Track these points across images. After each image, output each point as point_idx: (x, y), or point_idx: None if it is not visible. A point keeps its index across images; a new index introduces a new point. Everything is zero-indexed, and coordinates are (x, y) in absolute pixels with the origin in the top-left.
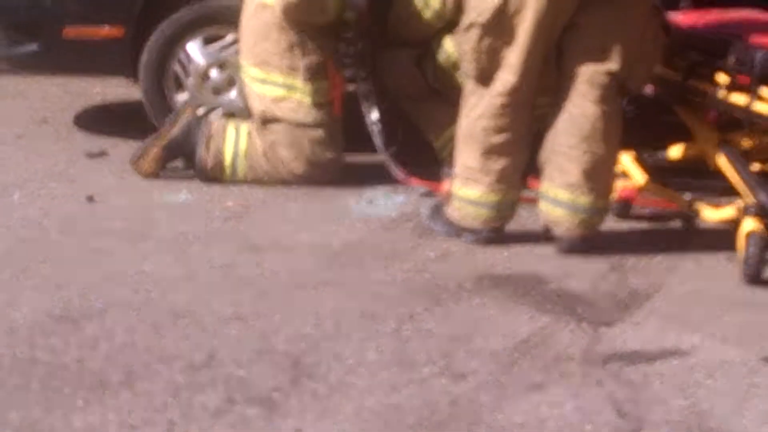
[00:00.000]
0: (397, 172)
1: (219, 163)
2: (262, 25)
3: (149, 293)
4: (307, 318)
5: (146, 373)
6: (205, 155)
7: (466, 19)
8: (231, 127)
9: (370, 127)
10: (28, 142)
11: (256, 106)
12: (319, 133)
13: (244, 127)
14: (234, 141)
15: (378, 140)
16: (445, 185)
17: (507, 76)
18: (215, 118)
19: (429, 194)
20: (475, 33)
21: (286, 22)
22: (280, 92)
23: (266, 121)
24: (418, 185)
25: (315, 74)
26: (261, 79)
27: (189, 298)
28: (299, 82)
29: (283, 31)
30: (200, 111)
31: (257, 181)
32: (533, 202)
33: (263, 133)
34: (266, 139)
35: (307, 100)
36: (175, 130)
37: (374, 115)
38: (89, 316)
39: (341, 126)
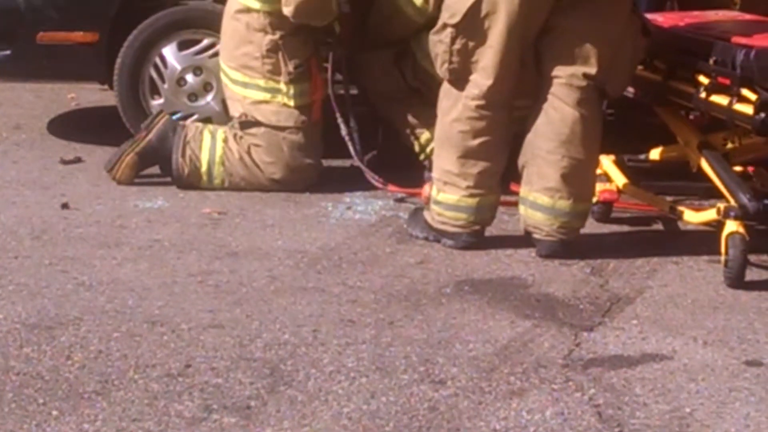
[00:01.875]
0: (374, 179)
1: (195, 170)
2: (243, 29)
3: (125, 301)
4: (285, 325)
5: (122, 381)
6: (181, 162)
7: (440, 20)
8: (207, 132)
9: (346, 133)
10: (1, 149)
11: (237, 109)
12: (298, 137)
13: (221, 132)
14: (210, 147)
15: (353, 148)
16: (425, 190)
17: (481, 79)
18: (191, 123)
19: (406, 200)
20: (448, 34)
21: (293, 19)
22: (262, 96)
23: (245, 124)
24: (396, 192)
25: (298, 76)
26: (243, 83)
27: (165, 306)
28: (282, 85)
29: (266, 34)
30: (175, 117)
31: (234, 187)
32: (513, 205)
33: (242, 137)
34: (244, 144)
35: (290, 102)
36: (151, 136)
37: (350, 122)
38: (64, 324)
39: (320, 131)
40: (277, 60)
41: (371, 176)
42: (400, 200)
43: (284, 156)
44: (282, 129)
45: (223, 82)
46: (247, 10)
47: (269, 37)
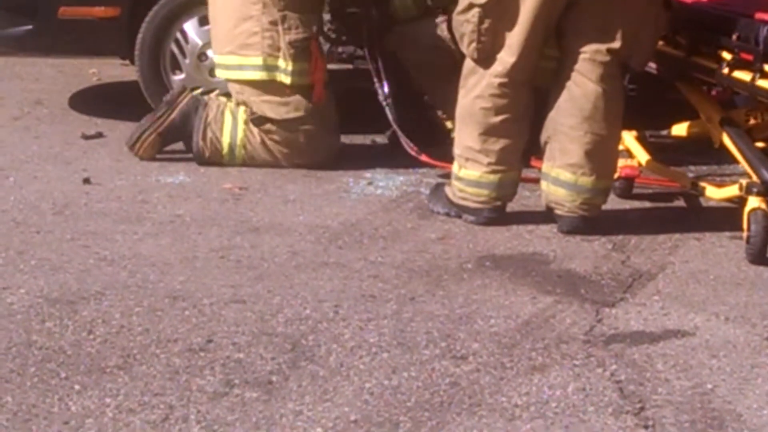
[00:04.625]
0: (409, 147)
1: (216, 152)
2: (241, 4)
3: (146, 276)
4: (307, 300)
5: (144, 356)
6: (201, 144)
7: (464, 0)
8: (228, 114)
9: (383, 98)
10: (23, 124)
11: (246, 109)
12: (312, 125)
13: (242, 114)
14: (231, 129)
15: (390, 115)
16: (454, 166)
17: (507, 57)
18: (213, 101)
19: (435, 174)
20: (475, 14)
21: None
22: (259, 75)
23: (258, 121)
24: (429, 162)
25: (298, 54)
26: (238, 66)
27: (187, 281)
28: (281, 61)
29: (265, 7)
30: (197, 92)
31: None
32: (535, 182)
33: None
34: (262, 134)
35: (287, 80)
36: (174, 115)
37: (386, 89)
38: (86, 299)
39: (333, 110)
40: (277, 34)
41: (406, 143)
42: (422, 175)
43: (302, 145)
44: (294, 121)
45: (227, 84)
46: None
47: (270, 9)
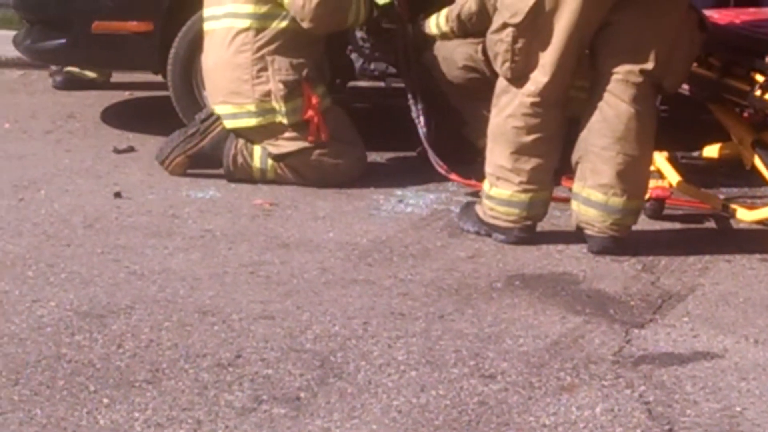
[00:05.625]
0: (438, 165)
1: (246, 175)
2: (232, 54)
3: (176, 290)
4: (336, 317)
5: (172, 371)
6: (233, 168)
7: (499, 19)
8: (258, 145)
9: (416, 115)
10: (55, 138)
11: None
12: (330, 148)
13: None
14: (261, 156)
15: (421, 132)
16: (485, 185)
17: (540, 76)
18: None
19: (465, 193)
20: (509, 33)
21: (316, 30)
22: (256, 121)
23: (278, 158)
24: (458, 181)
25: (289, 93)
26: (232, 114)
27: (216, 296)
28: (274, 103)
29: (254, 53)
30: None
31: None
32: (566, 201)
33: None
34: (292, 166)
35: (284, 121)
36: (204, 143)
37: (419, 107)
38: (115, 313)
39: (349, 126)
40: (267, 80)
41: (435, 161)
42: (465, 193)
43: (327, 168)
44: (311, 149)
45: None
46: (237, 33)
47: (258, 55)
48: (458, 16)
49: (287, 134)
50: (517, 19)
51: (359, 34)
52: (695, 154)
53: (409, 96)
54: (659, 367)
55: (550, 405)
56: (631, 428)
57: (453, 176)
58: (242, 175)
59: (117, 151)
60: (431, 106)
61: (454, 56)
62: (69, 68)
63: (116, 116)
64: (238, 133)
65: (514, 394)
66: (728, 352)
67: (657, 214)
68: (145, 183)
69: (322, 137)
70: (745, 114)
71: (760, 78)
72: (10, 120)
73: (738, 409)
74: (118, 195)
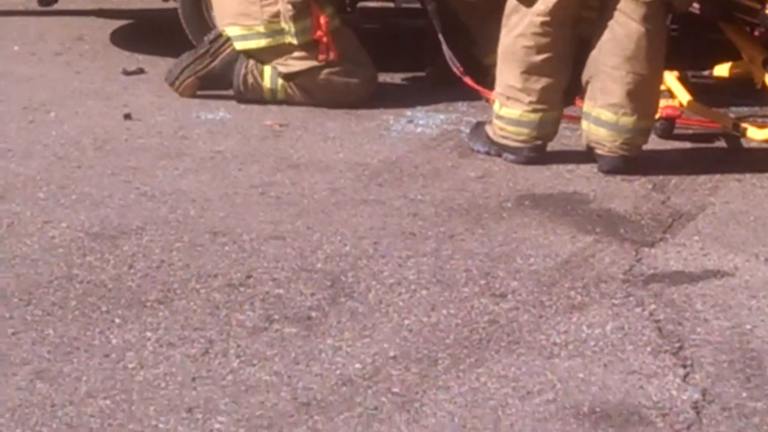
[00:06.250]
0: (455, 65)
1: (257, 95)
2: None
3: (187, 211)
4: (346, 237)
5: (184, 291)
6: (243, 88)
7: None
8: (268, 65)
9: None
10: (64, 60)
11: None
12: (338, 67)
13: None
14: (271, 75)
15: (438, 27)
16: (495, 104)
17: None
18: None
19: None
20: None
21: None
22: (265, 42)
23: (288, 77)
24: (470, 86)
25: (297, 13)
26: (241, 36)
27: (227, 217)
28: (283, 24)
29: None
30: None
31: None
32: (576, 120)
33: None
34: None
35: (294, 41)
36: (215, 63)
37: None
38: (126, 233)
39: (357, 46)
40: (276, 0)
41: (452, 61)
42: (462, 114)
43: (337, 87)
44: (320, 67)
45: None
46: None
47: None
48: None
49: (297, 54)
50: None
51: None
52: (706, 73)
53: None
54: (669, 286)
55: (560, 323)
56: (642, 346)
57: (467, 80)
58: (252, 95)
59: (126, 73)
60: (445, 26)
61: None
62: None
63: (125, 38)
64: (248, 53)
65: (525, 312)
66: (738, 271)
67: (667, 133)
68: (154, 105)
69: (331, 56)
70: (756, 32)
71: None
72: (19, 43)
73: (748, 326)
74: (128, 117)
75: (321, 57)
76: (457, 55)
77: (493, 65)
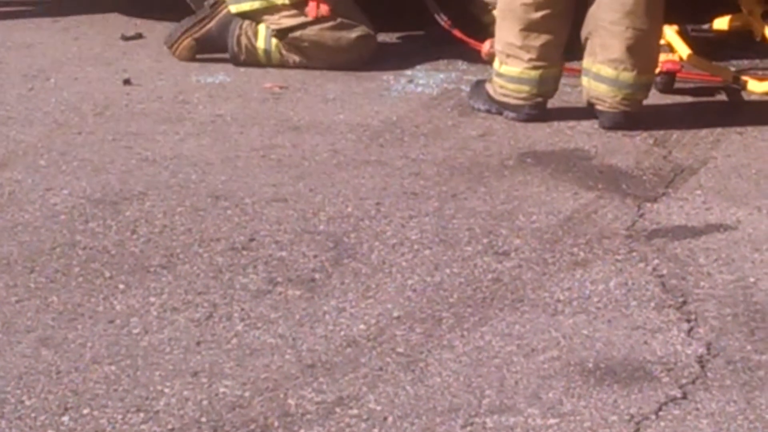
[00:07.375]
0: (441, 19)
1: (252, 56)
2: None
3: (188, 176)
4: (348, 198)
5: (187, 255)
6: (237, 49)
7: None
8: (263, 24)
9: None
10: (63, 26)
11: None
12: (332, 22)
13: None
14: (265, 36)
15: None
16: (485, 45)
17: None
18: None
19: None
20: None
21: None
22: (258, 4)
23: (281, 34)
24: (459, 38)
25: None
26: None
27: (228, 180)
28: None
29: None
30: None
31: None
32: (576, 73)
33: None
34: (294, 42)
35: (286, 0)
36: (211, 25)
37: None
38: (128, 199)
39: (353, 6)
40: None
41: (438, 15)
42: (462, 73)
43: (329, 43)
44: (313, 22)
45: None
46: None
47: None
48: None
49: (288, 12)
50: None
51: None
52: (705, 26)
53: None
54: (672, 240)
55: (564, 280)
56: (645, 301)
57: (456, 32)
58: (247, 57)
59: (125, 38)
60: None
61: None
62: None
63: (123, 3)
64: (243, 15)
65: (528, 270)
66: (741, 224)
67: (668, 87)
68: (154, 69)
69: (322, 12)
70: None
71: None
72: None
73: (752, 279)
74: (127, 82)
75: (311, 13)
76: (454, 13)
77: (492, 23)
